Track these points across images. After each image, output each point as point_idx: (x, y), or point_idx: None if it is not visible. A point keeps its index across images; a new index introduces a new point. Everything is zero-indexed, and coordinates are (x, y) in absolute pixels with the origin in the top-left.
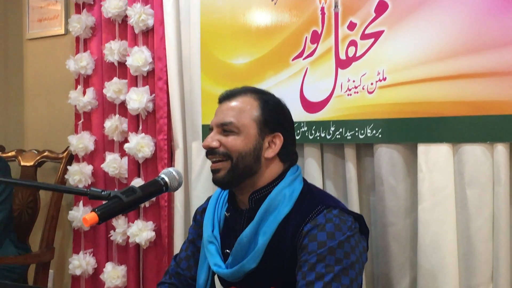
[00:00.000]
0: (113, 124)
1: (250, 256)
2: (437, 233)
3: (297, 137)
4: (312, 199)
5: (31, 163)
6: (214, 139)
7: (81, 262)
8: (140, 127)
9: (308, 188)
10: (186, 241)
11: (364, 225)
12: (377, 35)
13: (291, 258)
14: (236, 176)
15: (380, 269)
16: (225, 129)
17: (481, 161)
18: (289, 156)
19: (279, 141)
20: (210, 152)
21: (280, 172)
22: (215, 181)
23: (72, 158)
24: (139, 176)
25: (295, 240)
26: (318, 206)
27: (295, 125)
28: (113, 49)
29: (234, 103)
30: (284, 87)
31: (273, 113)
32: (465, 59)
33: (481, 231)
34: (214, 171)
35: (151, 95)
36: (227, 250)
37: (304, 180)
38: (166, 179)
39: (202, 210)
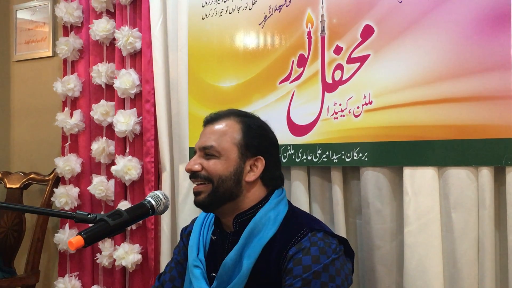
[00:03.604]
0: (100, 147)
1: (235, 280)
2: (423, 256)
3: (284, 160)
4: (296, 222)
5: (17, 185)
6: (196, 163)
7: (66, 286)
8: (127, 150)
9: (292, 211)
10: (170, 262)
11: (349, 248)
12: (363, 59)
13: (275, 281)
14: (217, 199)
15: None
16: (207, 152)
17: (466, 184)
18: (272, 180)
19: (260, 165)
20: (193, 175)
21: (264, 195)
22: (196, 203)
23: (58, 181)
24: (126, 199)
25: (279, 264)
26: (303, 229)
27: (281, 148)
28: (100, 72)
29: (216, 127)
30: (271, 110)
31: (255, 137)
32: (450, 84)
33: (467, 254)
34: (195, 194)
35: (138, 117)
36: (213, 274)
37: (289, 203)
38: (153, 202)
39: (187, 234)
